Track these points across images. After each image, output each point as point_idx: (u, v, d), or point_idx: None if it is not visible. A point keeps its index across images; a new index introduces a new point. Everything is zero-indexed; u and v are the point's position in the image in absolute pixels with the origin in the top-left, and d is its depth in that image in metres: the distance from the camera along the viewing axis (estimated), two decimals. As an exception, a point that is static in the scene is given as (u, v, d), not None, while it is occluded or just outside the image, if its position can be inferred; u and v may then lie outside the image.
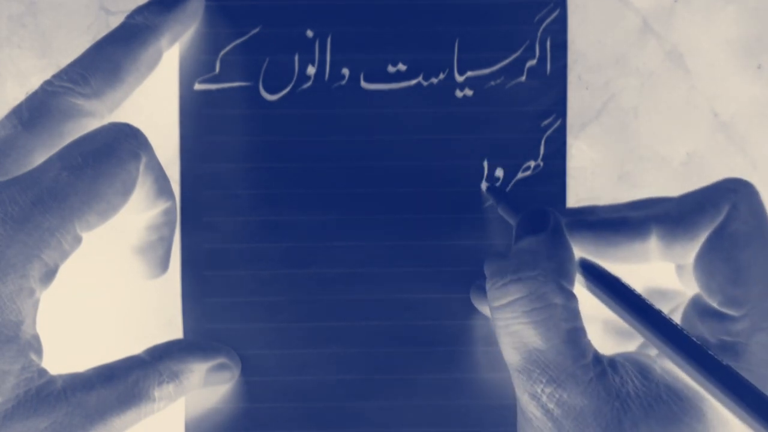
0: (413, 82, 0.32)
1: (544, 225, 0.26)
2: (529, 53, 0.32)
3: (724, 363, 0.23)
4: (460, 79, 0.32)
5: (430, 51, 0.32)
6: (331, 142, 0.32)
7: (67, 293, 0.31)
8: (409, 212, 0.32)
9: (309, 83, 0.32)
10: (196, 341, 0.31)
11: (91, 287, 0.32)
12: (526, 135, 0.32)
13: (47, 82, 0.27)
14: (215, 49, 0.32)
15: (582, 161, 0.33)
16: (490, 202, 0.32)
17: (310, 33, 0.32)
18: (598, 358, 0.25)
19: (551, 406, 0.24)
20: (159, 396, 0.27)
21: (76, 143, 0.26)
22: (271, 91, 0.32)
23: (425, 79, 0.32)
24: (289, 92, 0.32)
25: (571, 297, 0.25)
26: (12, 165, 0.26)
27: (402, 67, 0.32)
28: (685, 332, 0.24)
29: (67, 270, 0.26)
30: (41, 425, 0.24)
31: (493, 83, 0.32)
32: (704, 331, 0.25)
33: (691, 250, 0.25)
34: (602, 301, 0.26)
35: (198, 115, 0.32)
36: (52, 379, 0.25)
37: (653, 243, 0.25)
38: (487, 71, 0.32)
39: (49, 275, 0.25)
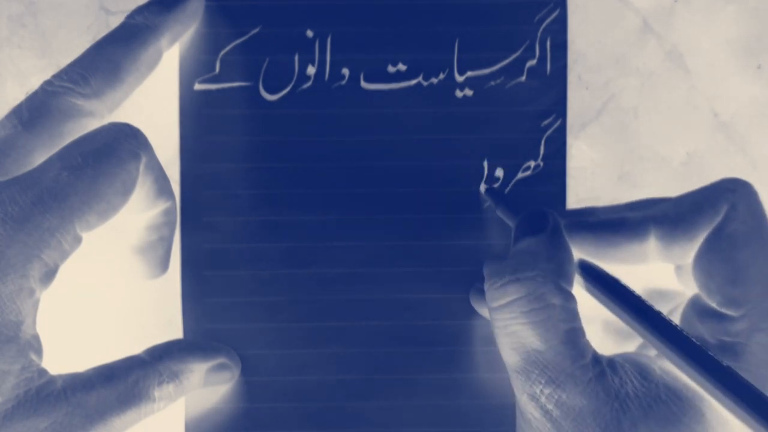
0: (413, 82, 0.32)
1: (543, 226, 0.26)
2: (529, 53, 0.32)
3: (724, 363, 0.23)
4: (460, 79, 0.32)
5: (430, 51, 0.32)
6: (331, 142, 0.32)
7: (67, 293, 0.31)
8: (409, 212, 0.32)
9: (309, 83, 0.32)
10: (196, 341, 0.31)
11: (91, 287, 0.32)
12: (526, 135, 0.32)
13: (47, 82, 0.27)
14: (215, 49, 0.32)
15: (582, 161, 0.33)
16: (488, 203, 0.32)
17: (310, 33, 0.32)
18: (597, 358, 0.25)
19: (550, 406, 0.24)
20: (159, 396, 0.27)
21: (76, 143, 0.26)
22: (271, 91, 0.32)
23: (425, 79, 0.32)
24: (289, 92, 0.32)
25: (570, 297, 0.25)
26: (12, 165, 0.26)
27: (402, 67, 0.32)
28: (684, 333, 0.24)
29: (67, 270, 0.26)
30: (41, 425, 0.24)
31: (493, 83, 0.32)
32: (703, 332, 0.25)
33: (689, 250, 0.25)
34: (601, 302, 0.26)
35: (198, 115, 0.32)
36: (52, 379, 0.25)
37: (652, 244, 0.25)
38: (487, 71, 0.32)
39: (49, 275, 0.25)
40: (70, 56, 0.28)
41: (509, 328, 0.25)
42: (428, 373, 0.32)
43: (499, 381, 0.32)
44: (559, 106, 0.32)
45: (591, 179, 0.33)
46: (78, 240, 0.26)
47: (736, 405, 0.23)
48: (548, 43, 0.32)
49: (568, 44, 0.32)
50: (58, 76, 0.28)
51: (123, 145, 0.26)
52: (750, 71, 0.33)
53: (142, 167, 0.27)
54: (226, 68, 0.32)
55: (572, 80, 0.32)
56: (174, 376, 0.28)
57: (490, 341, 0.32)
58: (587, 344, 0.25)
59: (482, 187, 0.32)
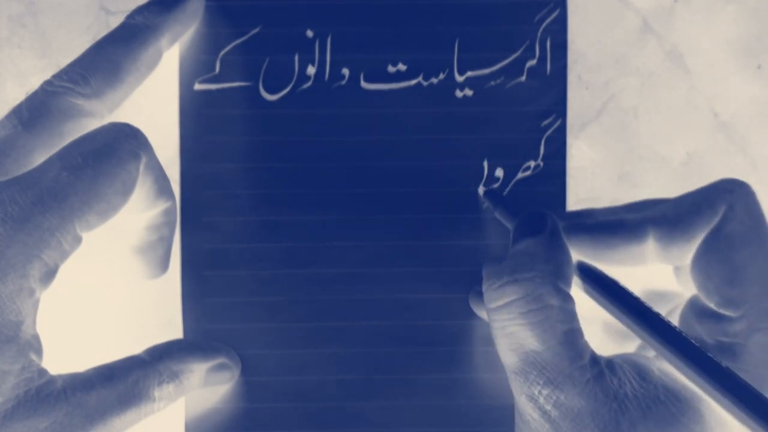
0: (413, 82, 0.32)
1: (542, 227, 0.26)
2: (529, 53, 0.32)
3: (722, 364, 0.23)
4: (460, 79, 0.32)
5: (430, 51, 0.32)
6: (331, 142, 0.32)
7: (67, 293, 0.31)
8: (409, 212, 0.32)
9: (309, 83, 0.32)
10: (196, 341, 0.31)
11: (91, 287, 0.32)
12: (526, 135, 0.32)
13: (47, 82, 0.27)
14: (215, 49, 0.32)
15: (582, 161, 0.33)
16: (487, 205, 0.32)
17: (310, 33, 0.32)
18: (595, 359, 0.24)
19: (548, 407, 0.24)
20: (159, 396, 0.27)
21: (76, 143, 0.26)
22: (271, 91, 0.32)
23: (425, 79, 0.32)
24: (289, 92, 0.32)
25: (568, 298, 0.25)
26: (12, 165, 0.26)
27: (402, 67, 0.32)
28: (682, 334, 0.24)
29: (67, 270, 0.26)
30: (41, 425, 0.24)
31: (493, 83, 0.32)
32: (702, 333, 0.25)
33: (688, 251, 0.25)
34: (600, 304, 0.26)
35: (198, 115, 0.32)
36: (52, 379, 0.25)
37: (650, 245, 0.25)
38: (487, 71, 0.32)
39: (49, 275, 0.25)
40: (70, 56, 0.28)
41: (507, 329, 0.25)
42: (428, 373, 0.32)
43: (498, 381, 0.32)
44: (559, 106, 0.32)
45: (591, 179, 0.33)
46: (78, 240, 0.26)
47: (735, 405, 0.23)
48: (548, 43, 0.32)
49: (568, 44, 0.32)
50: (58, 76, 0.28)
51: (123, 145, 0.26)
52: (750, 71, 0.33)
53: (142, 167, 0.27)
54: (226, 68, 0.32)
55: (572, 80, 0.32)
56: (174, 376, 0.28)
57: (490, 341, 0.32)
58: (585, 345, 0.25)
59: (481, 189, 0.32)
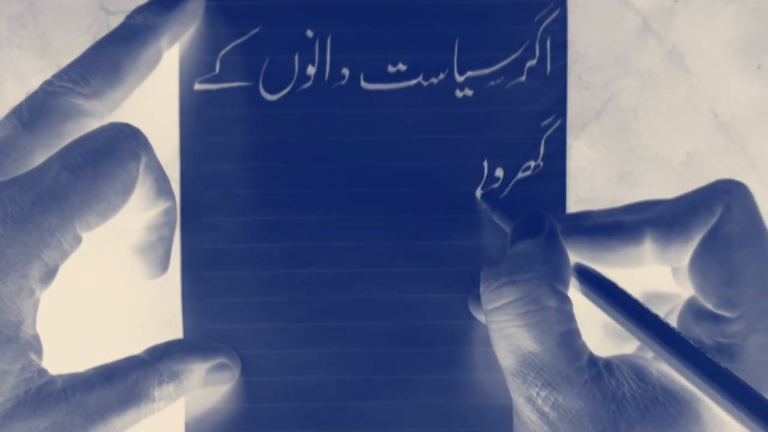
0: (413, 82, 0.32)
1: (540, 229, 0.26)
2: (529, 53, 0.32)
3: (721, 365, 0.23)
4: (460, 79, 0.32)
5: (430, 51, 0.32)
6: (331, 142, 0.32)
7: (67, 293, 0.31)
8: (409, 212, 0.32)
9: (309, 83, 0.32)
10: (196, 341, 0.31)
11: (91, 287, 0.32)
12: (526, 135, 0.32)
13: (47, 82, 0.27)
14: (215, 49, 0.32)
15: (582, 161, 0.33)
16: (484, 207, 0.32)
17: (310, 33, 0.32)
18: (593, 360, 0.24)
19: (546, 409, 0.24)
20: (159, 396, 0.27)
21: (76, 143, 0.26)
22: (271, 91, 0.32)
23: (425, 79, 0.32)
24: (289, 92, 0.32)
25: (566, 300, 0.25)
26: (12, 165, 0.26)
27: (402, 67, 0.32)
28: (680, 335, 0.24)
29: (67, 270, 0.26)
30: (41, 425, 0.24)
31: (493, 83, 0.32)
32: (700, 333, 0.25)
33: (685, 252, 0.25)
34: (598, 306, 0.26)
35: (198, 115, 0.32)
36: (52, 379, 0.25)
37: (648, 247, 0.25)
38: (487, 71, 0.32)
39: (49, 275, 0.25)
40: (70, 56, 0.28)
41: (505, 330, 0.25)
42: (428, 373, 0.32)
43: (498, 381, 0.32)
44: (559, 106, 0.32)
45: (591, 179, 0.33)
46: (78, 240, 0.26)
47: (733, 406, 0.23)
48: (548, 43, 0.32)
49: (568, 44, 0.32)
50: (58, 76, 0.28)
51: (123, 145, 0.26)
52: (750, 71, 0.33)
53: (142, 167, 0.27)
54: (226, 68, 0.32)
55: (572, 80, 0.32)
56: (174, 376, 0.28)
57: (490, 342, 0.32)
58: (583, 346, 0.25)
59: (478, 192, 0.32)
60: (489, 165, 0.32)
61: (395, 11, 0.32)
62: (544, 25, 0.32)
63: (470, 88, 0.32)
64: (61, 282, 0.26)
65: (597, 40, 0.33)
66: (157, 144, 0.28)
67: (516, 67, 0.32)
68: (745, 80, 0.33)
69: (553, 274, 0.25)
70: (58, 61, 0.32)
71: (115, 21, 0.31)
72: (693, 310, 0.25)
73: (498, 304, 0.25)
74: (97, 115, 0.28)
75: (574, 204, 0.32)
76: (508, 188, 0.32)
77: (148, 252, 0.30)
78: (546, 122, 0.32)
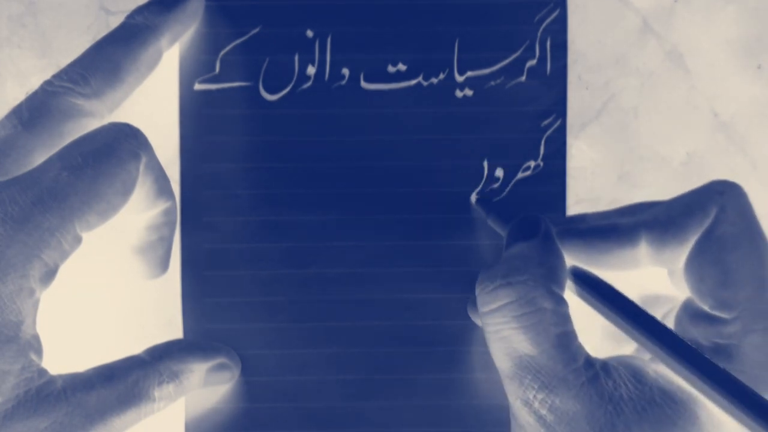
0: (413, 82, 0.32)
1: (535, 231, 0.26)
2: (529, 53, 0.32)
3: (718, 365, 0.23)
4: (460, 79, 0.32)
5: (430, 51, 0.32)
6: (331, 142, 0.32)
7: (67, 293, 0.31)
8: (409, 212, 0.32)
9: (309, 83, 0.32)
10: (196, 341, 0.31)
11: (91, 287, 0.32)
12: (526, 135, 0.32)
13: (47, 82, 0.27)
14: (215, 49, 0.32)
15: (582, 161, 0.33)
16: (479, 212, 0.32)
17: (310, 33, 0.32)
18: (589, 361, 0.24)
19: (544, 412, 0.24)
20: (159, 396, 0.27)
21: (76, 143, 0.26)
22: (271, 91, 0.32)
23: (425, 79, 0.32)
24: (289, 92, 0.32)
25: (561, 301, 0.25)
26: (12, 165, 0.26)
27: (402, 67, 0.32)
28: (677, 336, 0.24)
29: (67, 270, 0.26)
30: (41, 425, 0.24)
31: (493, 83, 0.32)
32: (697, 335, 0.25)
33: (681, 254, 0.25)
34: (595, 308, 0.26)
35: (198, 115, 0.32)
36: (52, 379, 0.25)
37: (643, 249, 0.25)
38: (487, 71, 0.32)
39: (49, 275, 0.25)
40: (70, 56, 0.28)
41: (501, 333, 0.25)
42: (428, 373, 0.32)
43: (498, 381, 0.32)
44: (559, 106, 0.32)
45: (591, 179, 0.33)
46: (78, 240, 0.26)
47: (732, 405, 0.23)
48: (548, 43, 0.32)
49: (568, 44, 0.32)
50: (58, 76, 0.28)
51: (123, 145, 0.26)
52: (750, 71, 0.33)
53: (142, 167, 0.27)
54: (226, 68, 0.32)
55: (572, 80, 0.32)
56: (174, 376, 0.28)
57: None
58: (579, 347, 0.25)
59: (473, 197, 0.32)
60: (489, 165, 0.32)
61: (395, 11, 0.32)
62: (544, 25, 0.32)
63: (470, 88, 0.32)
64: (61, 282, 0.26)
65: (597, 40, 0.33)
66: (157, 144, 0.28)
67: (516, 67, 0.32)
68: (745, 80, 0.33)
69: (549, 276, 0.25)
70: (58, 61, 0.32)
71: (115, 21, 0.31)
72: (689, 311, 0.25)
73: (494, 306, 0.25)
74: (97, 115, 0.28)
75: (574, 204, 0.32)
76: (508, 188, 0.32)
77: (148, 252, 0.30)
78: (546, 122, 0.32)
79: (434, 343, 0.32)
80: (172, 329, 0.32)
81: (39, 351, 0.25)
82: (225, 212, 0.32)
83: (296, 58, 0.32)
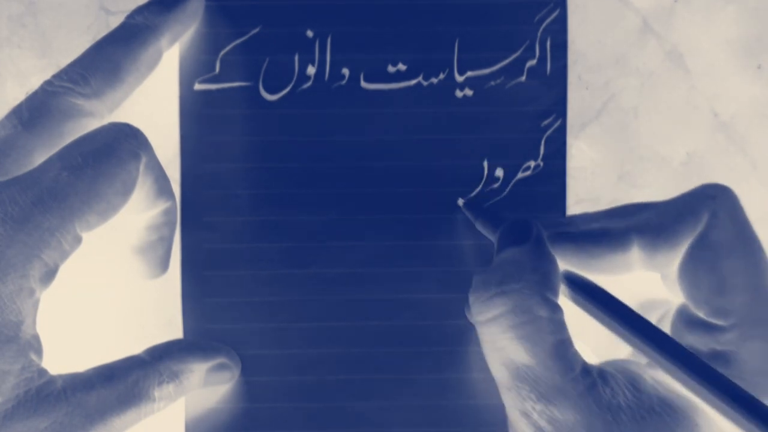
0: (413, 82, 0.32)
1: (527, 236, 0.26)
2: (529, 53, 0.32)
3: (717, 370, 0.23)
4: (460, 79, 0.32)
5: (430, 51, 0.32)
6: (331, 142, 0.32)
7: (67, 293, 0.31)
8: (409, 212, 0.32)
9: (309, 83, 0.32)
10: (196, 341, 0.31)
11: (91, 287, 0.32)
12: (526, 135, 0.32)
13: (47, 82, 0.27)
14: (215, 49, 0.32)
15: (582, 161, 0.33)
16: (466, 214, 0.32)
17: (310, 33, 0.32)
18: (586, 369, 0.24)
19: (542, 423, 0.24)
20: (159, 396, 0.27)
21: (76, 143, 0.26)
22: (271, 91, 0.32)
23: (425, 79, 0.32)
24: (289, 92, 0.32)
25: (557, 309, 0.25)
26: (12, 165, 0.26)
27: (402, 67, 0.32)
28: (674, 340, 0.24)
29: (67, 270, 0.26)
30: (41, 425, 0.24)
31: (493, 83, 0.32)
32: (693, 341, 0.25)
33: (673, 259, 0.25)
34: (589, 313, 0.25)
35: (198, 115, 0.32)
36: (52, 379, 0.25)
37: (635, 254, 0.25)
38: (487, 71, 0.32)
39: (49, 275, 0.25)
40: (70, 56, 0.28)
41: (497, 342, 0.25)
42: (428, 373, 0.32)
43: (499, 381, 0.32)
44: (559, 106, 0.32)
45: (591, 179, 0.33)
46: (78, 240, 0.26)
47: (734, 410, 0.22)
48: (548, 43, 0.32)
49: (568, 44, 0.32)
50: (58, 76, 0.28)
51: (123, 145, 0.26)
52: (750, 71, 0.33)
53: (142, 167, 0.27)
54: (226, 68, 0.32)
55: (572, 80, 0.32)
56: (174, 376, 0.28)
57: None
58: (576, 355, 0.24)
59: (460, 202, 0.32)
60: (489, 165, 0.32)
61: (395, 11, 0.32)
62: (544, 25, 0.32)
63: (470, 88, 0.32)
64: (61, 282, 0.26)
65: (597, 40, 0.33)
66: (157, 144, 0.28)
67: (516, 67, 0.32)
68: (745, 80, 0.33)
69: (543, 282, 0.25)
70: (58, 61, 0.32)
71: (115, 21, 0.31)
72: (684, 318, 0.25)
73: (489, 315, 0.25)
74: (97, 115, 0.28)
75: (574, 204, 0.32)
76: (508, 188, 0.32)
77: (148, 252, 0.30)
78: (546, 122, 0.32)
79: (434, 343, 0.32)
80: (172, 329, 0.32)
81: (39, 351, 0.25)
82: (225, 212, 0.32)
83: (296, 58, 0.32)
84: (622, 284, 0.26)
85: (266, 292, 0.32)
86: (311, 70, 0.32)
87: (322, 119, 0.32)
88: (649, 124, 0.33)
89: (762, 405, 0.22)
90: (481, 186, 0.32)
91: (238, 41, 0.32)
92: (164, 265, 0.30)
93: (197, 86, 0.32)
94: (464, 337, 0.32)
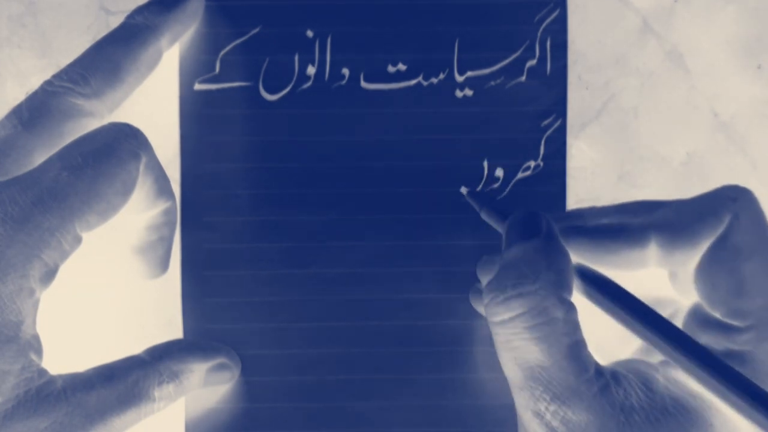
0: (413, 82, 0.32)
1: (537, 230, 0.25)
2: (529, 53, 0.32)
3: (734, 368, 0.23)
4: (460, 79, 0.32)
5: (430, 51, 0.32)
6: (331, 142, 0.32)
7: (67, 293, 0.31)
8: (409, 212, 0.32)
9: (309, 83, 0.32)
10: (196, 341, 0.31)
11: (91, 287, 0.32)
12: (526, 135, 0.32)
13: (47, 82, 0.27)
14: (215, 49, 0.32)
15: (582, 161, 0.33)
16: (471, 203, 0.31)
17: (310, 33, 0.32)
18: (600, 371, 0.24)
19: (555, 423, 0.24)
20: (159, 396, 0.27)
21: (76, 143, 0.26)
22: (271, 91, 0.32)
23: (425, 79, 0.32)
24: (289, 92, 0.32)
25: (571, 309, 0.24)
26: (12, 165, 0.26)
27: (402, 67, 0.32)
28: (690, 337, 0.24)
29: (67, 270, 0.26)
30: (41, 425, 0.24)
31: (493, 83, 0.32)
32: (708, 341, 0.24)
33: (690, 258, 0.25)
34: (604, 309, 0.25)
35: (198, 115, 0.32)
36: (52, 379, 0.25)
37: (652, 251, 0.25)
38: (487, 71, 0.32)
39: (49, 275, 0.25)
40: (70, 56, 0.28)
41: (511, 343, 0.24)
42: (428, 373, 0.32)
43: (498, 381, 0.32)
44: (559, 106, 0.32)
45: (591, 179, 0.33)
46: (78, 240, 0.26)
47: (752, 408, 0.22)
48: (548, 43, 0.32)
49: (568, 44, 0.32)
50: (58, 76, 0.28)
51: (123, 145, 0.26)
52: (750, 71, 0.33)
53: (142, 167, 0.27)
54: (226, 68, 0.32)
55: (572, 80, 0.32)
56: (174, 376, 0.28)
57: (490, 341, 0.32)
58: (589, 356, 0.24)
59: (464, 190, 0.32)
60: (489, 165, 0.32)
61: (395, 11, 0.32)
62: (544, 25, 0.32)
63: (470, 88, 0.32)
64: (61, 282, 0.26)
65: (597, 40, 0.33)
66: (157, 144, 0.28)
67: (516, 67, 0.32)
68: (745, 80, 0.33)
69: (558, 281, 0.24)
70: (58, 61, 0.32)
71: (115, 21, 0.31)
72: (698, 318, 0.25)
73: (505, 317, 0.24)
74: (97, 115, 0.28)
75: (574, 204, 0.32)
76: (508, 188, 0.32)
77: (148, 252, 0.30)
78: (546, 122, 0.32)
79: (434, 343, 0.32)
80: (172, 329, 0.32)
81: (39, 351, 0.25)
82: (225, 212, 0.32)
83: (296, 58, 0.32)
84: (627, 282, 0.26)
85: (266, 292, 0.32)
86: (311, 70, 0.32)
87: (322, 119, 0.32)
88: (649, 124, 0.33)
89: None
90: (481, 186, 0.32)
91: (238, 41, 0.32)
92: (164, 265, 0.30)
93: (197, 86, 0.32)
94: (464, 337, 0.32)
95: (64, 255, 0.25)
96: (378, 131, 0.32)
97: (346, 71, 0.32)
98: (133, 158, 0.26)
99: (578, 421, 0.23)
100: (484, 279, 0.29)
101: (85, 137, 0.27)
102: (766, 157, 0.33)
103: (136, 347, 0.29)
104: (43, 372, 0.25)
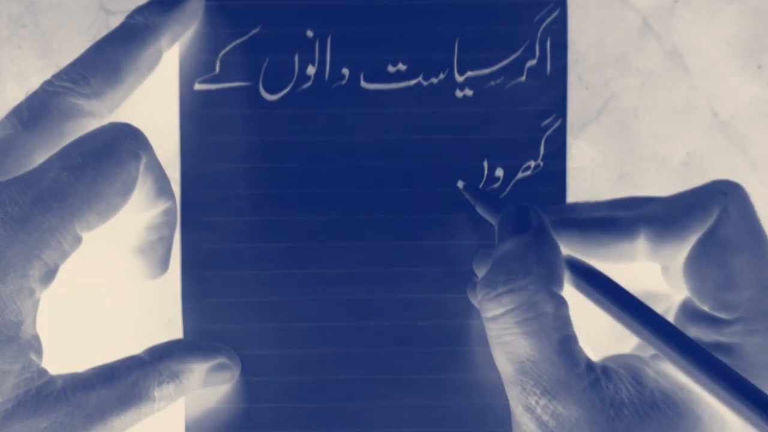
0: (413, 82, 0.32)
1: (527, 224, 0.26)
2: (529, 53, 0.32)
3: (723, 362, 0.23)
4: (460, 79, 0.32)
5: (430, 51, 0.32)
6: (331, 142, 0.32)
7: (67, 293, 0.31)
8: (409, 212, 0.32)
9: (309, 83, 0.32)
10: (196, 341, 0.31)
11: (91, 287, 0.32)
12: (526, 135, 0.32)
13: (47, 82, 0.27)
14: (215, 49, 0.32)
15: (582, 161, 0.33)
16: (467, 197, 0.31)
17: (310, 33, 0.32)
18: (590, 365, 0.24)
19: (546, 418, 0.24)
20: (159, 396, 0.27)
21: (76, 143, 0.26)
22: (271, 91, 0.32)
23: (425, 79, 0.32)
24: (289, 92, 0.32)
25: (562, 303, 0.25)
26: (12, 165, 0.26)
27: (402, 67, 0.32)
28: (680, 331, 0.24)
29: (67, 270, 0.26)
30: (41, 425, 0.24)
31: (493, 83, 0.32)
32: (696, 333, 0.25)
33: (679, 252, 0.25)
34: (594, 301, 0.25)
35: (198, 115, 0.32)
36: (52, 379, 0.25)
37: (641, 244, 0.25)
38: (487, 71, 0.32)
39: (49, 275, 0.25)
40: (70, 56, 0.28)
41: (503, 337, 0.25)
42: (428, 373, 0.32)
43: (498, 381, 0.32)
44: (559, 106, 0.32)
45: (591, 179, 0.33)
46: (78, 240, 0.26)
47: (738, 401, 0.22)
48: (548, 43, 0.32)
49: (568, 44, 0.32)
50: (58, 76, 0.28)
51: (123, 145, 0.26)
52: (750, 71, 0.33)
53: (142, 167, 0.27)
54: (226, 68, 0.32)
55: (572, 80, 0.32)
56: (174, 376, 0.28)
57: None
58: (580, 351, 0.24)
59: (460, 184, 0.32)
60: (489, 165, 0.32)
61: (395, 11, 0.32)
62: (544, 25, 0.32)
63: (470, 88, 0.32)
64: (61, 282, 0.26)
65: (597, 40, 0.33)
66: (157, 144, 0.28)
67: (516, 67, 0.32)
68: (745, 80, 0.33)
69: (548, 276, 0.25)
70: (58, 61, 0.32)
71: (115, 21, 0.31)
72: (687, 311, 0.25)
73: (497, 312, 0.25)
74: (97, 115, 0.28)
75: (574, 204, 0.32)
76: (508, 188, 0.32)
77: (148, 252, 0.30)
78: (546, 122, 0.32)
79: (434, 343, 0.32)
80: (172, 329, 0.32)
81: (39, 351, 0.25)
82: (225, 212, 0.32)
83: (296, 58, 0.32)
84: (621, 276, 0.26)
85: (266, 292, 0.32)
86: (311, 70, 0.32)
87: (322, 119, 0.32)
88: (649, 124, 0.33)
89: (766, 396, 0.22)
90: (481, 186, 0.32)
91: (238, 41, 0.32)
92: (164, 265, 0.30)
93: (197, 86, 0.32)
94: (464, 337, 0.32)
95: (64, 255, 0.25)
96: (378, 131, 0.32)
97: (346, 71, 0.32)
98: (133, 158, 0.26)
99: (568, 415, 0.23)
100: (480, 273, 0.30)
101: (85, 137, 0.27)
102: (766, 157, 0.33)
103: (136, 347, 0.29)
104: (43, 372, 0.25)
